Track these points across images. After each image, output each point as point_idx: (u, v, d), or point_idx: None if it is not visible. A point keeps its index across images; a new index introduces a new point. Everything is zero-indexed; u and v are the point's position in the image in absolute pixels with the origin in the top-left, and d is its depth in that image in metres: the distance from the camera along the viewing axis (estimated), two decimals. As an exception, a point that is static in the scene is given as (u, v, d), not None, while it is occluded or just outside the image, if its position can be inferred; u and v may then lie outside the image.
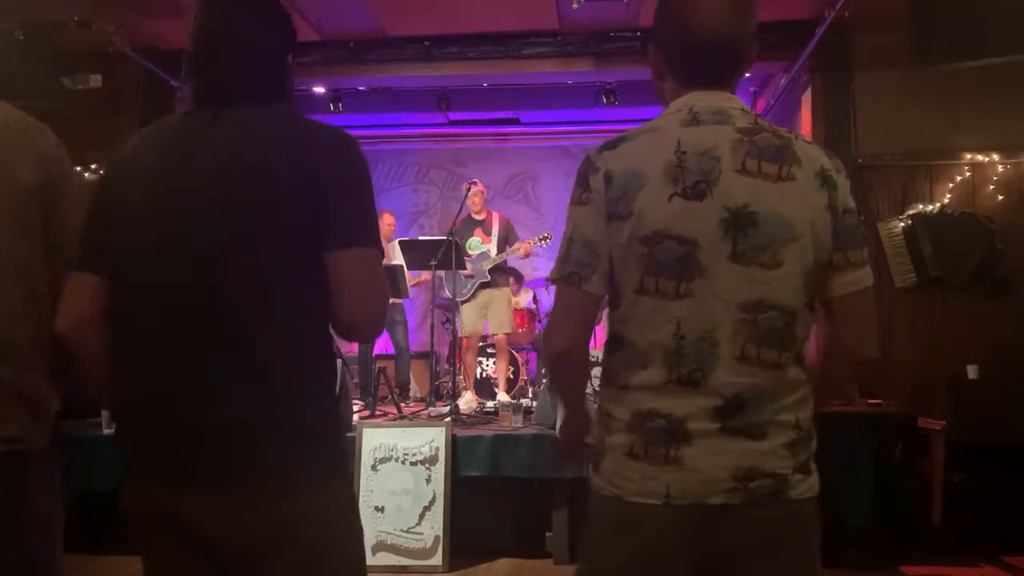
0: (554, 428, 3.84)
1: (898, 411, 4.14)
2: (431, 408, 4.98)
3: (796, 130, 3.66)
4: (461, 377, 5.54)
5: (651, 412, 1.21)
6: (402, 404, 4.89)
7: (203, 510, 1.19)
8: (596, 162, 1.27)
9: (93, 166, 4.83)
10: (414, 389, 6.25)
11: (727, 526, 1.19)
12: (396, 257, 5.61)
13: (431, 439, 3.93)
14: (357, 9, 4.96)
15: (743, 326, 1.19)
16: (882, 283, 4.92)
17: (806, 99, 5.37)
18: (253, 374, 1.20)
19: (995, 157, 5.00)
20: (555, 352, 1.28)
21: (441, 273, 5.35)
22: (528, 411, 4.38)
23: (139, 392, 1.25)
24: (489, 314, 5.54)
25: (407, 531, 3.81)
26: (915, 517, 3.97)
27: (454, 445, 3.91)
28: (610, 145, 1.28)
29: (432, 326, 5.55)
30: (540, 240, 5.67)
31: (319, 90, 6.16)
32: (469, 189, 5.47)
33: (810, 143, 1.29)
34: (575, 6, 4.69)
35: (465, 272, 5.43)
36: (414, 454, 3.92)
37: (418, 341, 6.84)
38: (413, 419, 4.48)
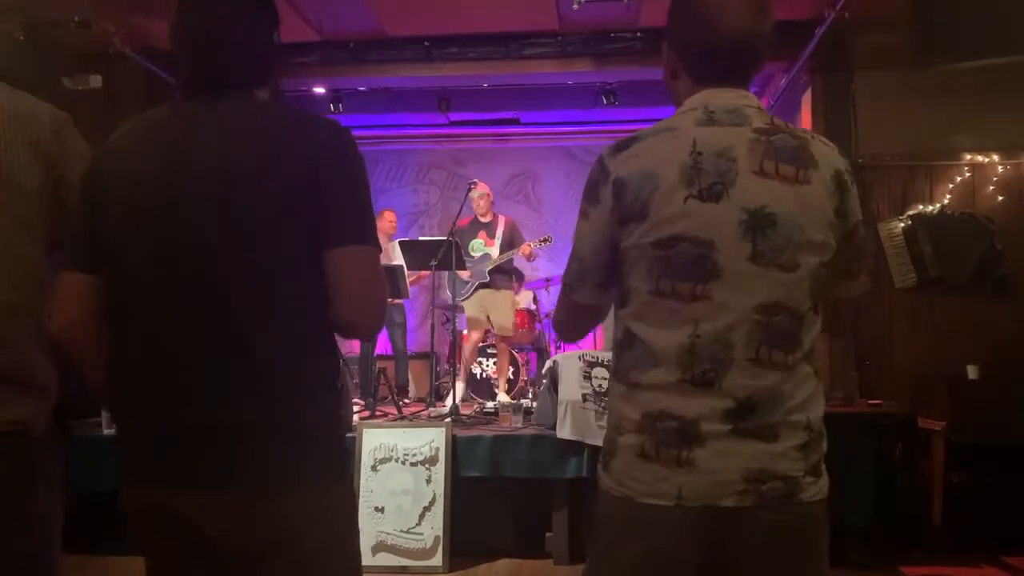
0: (554, 428, 3.84)
1: (898, 411, 4.13)
2: (431, 408, 4.98)
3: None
4: (460, 366, 5.54)
5: (662, 413, 1.20)
6: (402, 404, 4.89)
7: (203, 510, 1.19)
8: (608, 166, 1.26)
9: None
10: (412, 391, 6.25)
11: (738, 528, 1.19)
12: (396, 257, 5.59)
13: (431, 439, 3.93)
14: (357, 9, 4.96)
15: (758, 328, 1.19)
16: (882, 283, 4.93)
17: (806, 99, 5.37)
18: (253, 374, 1.19)
19: (995, 157, 5.00)
20: (560, 337, 1.57)
21: (441, 273, 5.35)
22: (528, 412, 4.37)
23: (139, 392, 1.24)
24: (491, 315, 5.54)
25: (407, 531, 3.81)
26: (915, 517, 3.97)
27: (454, 445, 3.91)
28: (623, 146, 1.27)
29: (432, 326, 5.55)
30: (541, 242, 5.66)
31: (319, 90, 6.16)
32: (470, 189, 5.44)
33: (827, 144, 1.28)
34: (575, 6, 4.68)
35: (464, 274, 5.43)
36: (414, 454, 3.92)
37: (418, 341, 6.84)
38: (413, 419, 4.48)
